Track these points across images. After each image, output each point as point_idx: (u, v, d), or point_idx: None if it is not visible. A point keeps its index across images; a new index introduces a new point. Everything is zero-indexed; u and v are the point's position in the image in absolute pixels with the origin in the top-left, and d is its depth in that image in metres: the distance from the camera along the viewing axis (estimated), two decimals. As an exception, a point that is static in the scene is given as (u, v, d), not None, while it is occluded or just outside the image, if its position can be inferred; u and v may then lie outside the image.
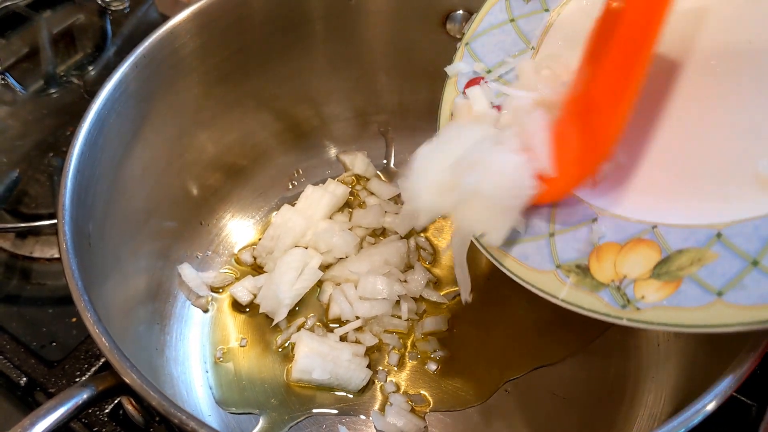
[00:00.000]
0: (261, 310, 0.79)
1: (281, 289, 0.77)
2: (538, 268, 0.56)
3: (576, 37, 0.64)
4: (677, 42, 0.56)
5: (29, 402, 0.77)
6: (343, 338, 0.78)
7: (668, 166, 0.54)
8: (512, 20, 0.70)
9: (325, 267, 0.83)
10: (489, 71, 0.69)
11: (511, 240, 0.58)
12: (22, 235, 0.92)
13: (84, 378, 0.77)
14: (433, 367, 0.76)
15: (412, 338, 0.78)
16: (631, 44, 0.52)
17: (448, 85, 0.71)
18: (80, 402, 0.50)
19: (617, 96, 0.52)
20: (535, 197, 0.56)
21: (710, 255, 0.47)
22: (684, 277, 0.48)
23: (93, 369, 0.77)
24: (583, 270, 0.53)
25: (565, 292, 0.53)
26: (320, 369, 0.72)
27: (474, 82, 0.68)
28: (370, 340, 0.77)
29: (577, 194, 0.57)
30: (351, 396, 0.74)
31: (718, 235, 0.48)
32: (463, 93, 0.68)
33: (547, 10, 0.68)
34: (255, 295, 0.81)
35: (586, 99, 0.55)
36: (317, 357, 0.73)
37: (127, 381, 0.49)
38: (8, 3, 1.03)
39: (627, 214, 0.53)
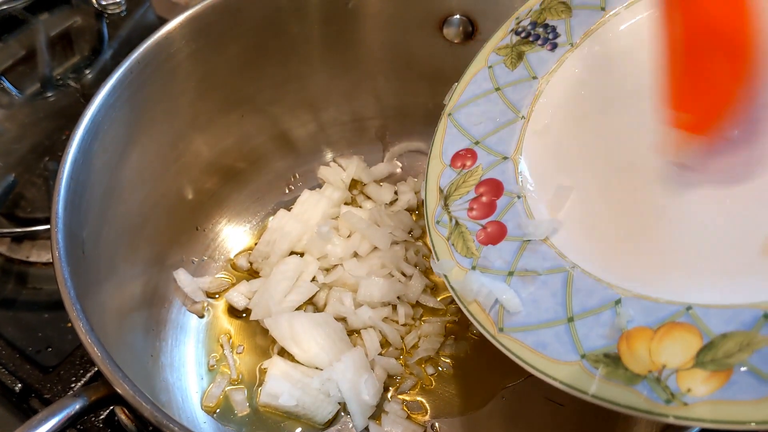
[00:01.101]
0: (252, 317, 0.79)
1: (274, 299, 0.77)
2: (560, 359, 0.49)
3: (567, 105, 0.64)
4: None
5: (24, 408, 0.77)
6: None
7: (698, 238, 0.51)
8: (498, 89, 0.67)
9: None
10: (477, 142, 0.65)
11: (524, 326, 0.52)
12: (18, 239, 0.92)
13: (79, 385, 0.77)
14: (430, 372, 0.75)
15: (408, 344, 0.78)
16: None
17: (432, 158, 0.67)
18: (72, 413, 0.50)
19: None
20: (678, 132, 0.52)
21: (761, 339, 0.42)
22: (734, 365, 0.42)
23: (88, 375, 0.77)
24: (614, 359, 0.47)
25: (595, 387, 0.47)
26: (288, 395, 0.70)
27: (462, 155, 0.65)
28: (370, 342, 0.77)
29: (593, 275, 0.52)
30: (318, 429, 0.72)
31: (766, 315, 0.43)
32: (450, 165, 0.65)
33: (535, 78, 0.66)
34: (251, 300, 0.81)
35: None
36: (286, 382, 0.72)
37: (119, 391, 0.49)
38: (5, 6, 1.03)
39: (654, 294, 0.49)
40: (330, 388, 0.72)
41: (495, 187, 0.62)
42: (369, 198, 0.91)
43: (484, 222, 0.60)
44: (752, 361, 0.42)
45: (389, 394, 0.74)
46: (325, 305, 0.80)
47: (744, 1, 0.49)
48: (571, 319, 0.51)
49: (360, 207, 0.89)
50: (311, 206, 0.86)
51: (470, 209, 0.62)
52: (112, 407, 0.70)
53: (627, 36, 0.64)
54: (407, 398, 0.74)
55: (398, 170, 0.94)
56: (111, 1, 1.03)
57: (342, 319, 0.79)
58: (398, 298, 0.80)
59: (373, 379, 0.73)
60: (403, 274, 0.82)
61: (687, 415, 0.43)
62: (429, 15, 0.83)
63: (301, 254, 0.84)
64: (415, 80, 0.88)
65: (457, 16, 0.82)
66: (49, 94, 1.03)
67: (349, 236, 0.84)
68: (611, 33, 0.65)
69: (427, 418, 0.73)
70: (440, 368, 0.76)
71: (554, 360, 0.49)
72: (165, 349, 0.76)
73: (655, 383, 0.45)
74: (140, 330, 0.74)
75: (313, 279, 0.82)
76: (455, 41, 0.84)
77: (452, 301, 0.80)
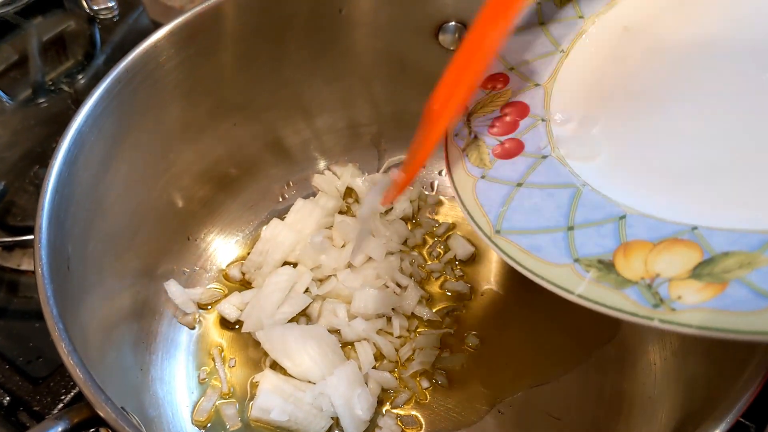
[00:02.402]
0: (244, 329, 0.78)
1: (266, 311, 0.76)
2: (551, 261, 0.50)
3: (609, 46, 0.63)
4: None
5: (13, 422, 0.76)
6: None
7: (708, 167, 0.51)
8: (542, 23, 0.67)
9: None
10: (512, 68, 0.66)
11: (521, 230, 0.53)
12: (9, 247, 0.91)
13: (69, 397, 0.76)
14: (425, 385, 0.74)
15: (403, 357, 0.77)
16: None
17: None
18: (54, 436, 0.49)
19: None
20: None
21: (763, 259, 0.43)
22: (730, 280, 0.44)
23: (78, 388, 0.76)
24: (607, 265, 0.48)
25: (583, 287, 0.48)
26: (279, 409, 0.69)
27: (493, 77, 0.66)
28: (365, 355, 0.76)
29: (603, 193, 0.53)
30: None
31: None
32: (480, 87, 0.66)
33: (581, 17, 0.66)
34: (243, 311, 0.79)
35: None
36: (278, 396, 0.70)
37: (102, 414, 0.48)
38: (-2, 10, 1.02)
39: (661, 215, 0.49)
40: (323, 402, 0.71)
41: (521, 109, 0.63)
42: (364, 206, 0.89)
43: (503, 138, 0.61)
44: (750, 277, 0.43)
45: (383, 409, 0.73)
46: (318, 317, 0.79)
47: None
48: (571, 228, 0.51)
49: (355, 216, 0.88)
50: (305, 215, 0.85)
51: (492, 126, 0.63)
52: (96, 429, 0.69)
53: None
54: (401, 412, 0.73)
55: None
56: (103, 6, 1.02)
57: (336, 332, 0.77)
58: (393, 309, 0.78)
59: (367, 393, 0.72)
60: (398, 285, 0.80)
61: (673, 319, 0.44)
62: (424, 22, 0.81)
63: (295, 264, 0.83)
64: (410, 87, 0.86)
65: (453, 23, 0.81)
66: (41, 100, 1.02)
67: (343, 246, 0.83)
68: None
69: (421, 433, 0.72)
70: (435, 381, 0.75)
71: (546, 261, 0.50)
72: (155, 363, 0.75)
73: (646, 289, 0.46)
74: (129, 343, 0.73)
75: (306, 290, 0.80)
76: (451, 48, 0.82)
77: (448, 313, 0.80)
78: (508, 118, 0.62)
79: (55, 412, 0.75)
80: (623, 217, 0.50)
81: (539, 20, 0.68)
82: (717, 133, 0.53)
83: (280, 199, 0.91)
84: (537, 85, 0.64)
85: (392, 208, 0.88)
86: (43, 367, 0.79)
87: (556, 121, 0.60)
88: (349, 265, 0.82)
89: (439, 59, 0.83)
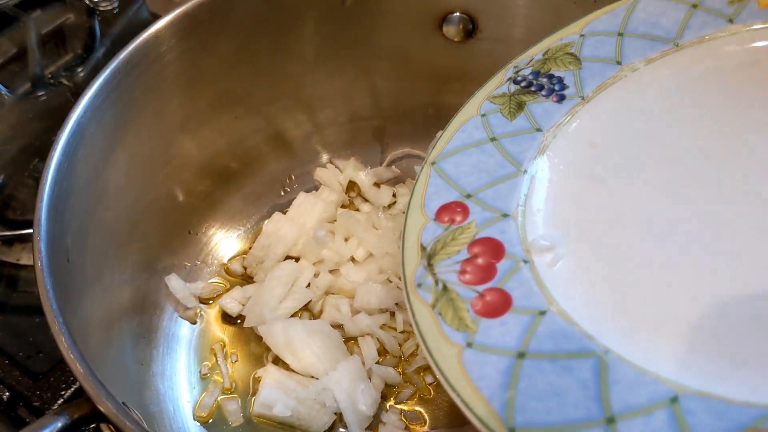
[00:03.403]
0: (246, 324, 0.77)
1: (269, 306, 0.75)
2: None
3: (578, 162, 0.57)
4: None
5: (12, 417, 0.75)
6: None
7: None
8: (494, 139, 0.59)
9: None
10: (468, 195, 0.56)
11: (545, 426, 0.40)
12: (9, 241, 0.90)
13: (69, 392, 0.75)
14: (429, 381, 0.74)
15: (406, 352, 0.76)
16: None
17: (411, 209, 0.57)
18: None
19: None
20: None
21: None
22: None
23: (78, 383, 0.75)
24: None
25: None
26: (282, 405, 0.68)
27: (450, 208, 0.56)
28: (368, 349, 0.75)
29: (635, 363, 0.42)
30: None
31: None
32: (435, 220, 0.55)
33: (539, 130, 0.59)
34: (245, 306, 0.79)
35: None
36: (280, 391, 0.70)
37: (102, 409, 0.47)
38: (-3, 3, 1.01)
39: (722, 391, 0.38)
40: (326, 398, 0.70)
41: (493, 248, 0.52)
42: (366, 201, 0.89)
43: (481, 289, 0.49)
44: None
45: (387, 404, 0.73)
46: (321, 312, 0.78)
47: None
48: (611, 420, 0.39)
49: (357, 210, 0.87)
50: (307, 209, 0.84)
51: (462, 272, 0.51)
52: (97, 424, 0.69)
53: (649, 92, 0.60)
54: (405, 408, 0.72)
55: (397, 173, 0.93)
56: (102, -2, 1.02)
57: (339, 327, 0.77)
58: (396, 304, 0.78)
59: (371, 388, 0.71)
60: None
61: None
62: (428, 13, 0.81)
63: (297, 259, 0.82)
64: (414, 80, 0.86)
65: (457, 14, 0.80)
66: (41, 93, 1.01)
67: (346, 240, 0.83)
68: (629, 88, 0.61)
69: (425, 428, 0.71)
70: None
71: None
72: (156, 358, 0.74)
73: None
74: (130, 338, 0.72)
75: (308, 285, 0.80)
76: (455, 40, 0.82)
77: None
78: (480, 261, 0.51)
79: (56, 407, 0.74)
80: (675, 399, 0.39)
81: (489, 135, 0.60)
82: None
83: (282, 193, 0.90)
84: (505, 215, 0.53)
85: (395, 202, 0.87)
86: (43, 363, 0.78)
87: (539, 259, 0.51)
88: (352, 260, 0.81)
89: (443, 51, 0.83)
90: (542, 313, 0.46)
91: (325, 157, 0.92)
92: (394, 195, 0.88)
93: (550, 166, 0.57)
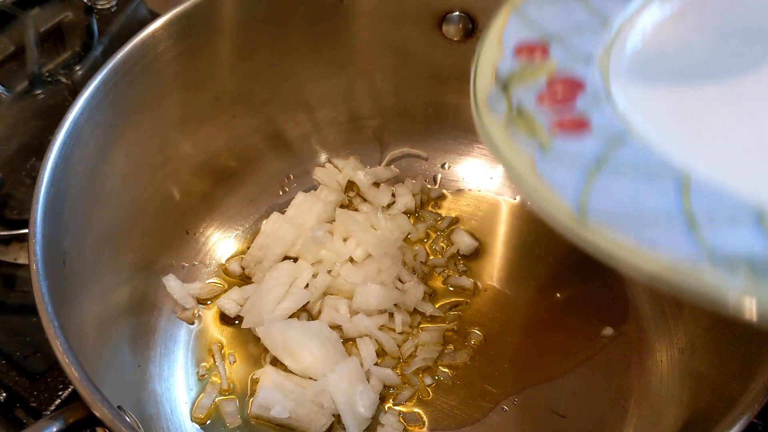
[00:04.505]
0: (244, 325, 0.77)
1: (266, 307, 0.75)
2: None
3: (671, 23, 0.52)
4: None
5: (9, 418, 0.75)
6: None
7: None
8: None
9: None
10: (550, 37, 0.53)
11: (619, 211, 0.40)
12: (6, 241, 0.90)
13: (66, 393, 0.75)
14: (428, 382, 0.74)
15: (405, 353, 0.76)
16: None
17: (487, 42, 0.52)
18: (49, 436, 0.48)
19: None
20: None
21: None
22: None
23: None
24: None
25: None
26: (280, 406, 0.68)
27: (529, 46, 0.52)
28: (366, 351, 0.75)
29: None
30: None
31: None
32: (513, 54, 0.52)
33: None
34: (243, 307, 0.78)
35: None
36: (279, 393, 0.69)
37: (97, 414, 0.47)
38: (-6, 1, 1.01)
39: None
40: (324, 399, 0.70)
41: (574, 85, 0.50)
42: (366, 200, 0.88)
43: (558, 117, 0.47)
44: None
45: (386, 406, 0.72)
46: (319, 313, 0.78)
47: None
48: (693, 223, 0.38)
49: (356, 210, 0.87)
50: (306, 209, 0.83)
51: (540, 100, 0.48)
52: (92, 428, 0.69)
53: None
54: (404, 410, 0.72)
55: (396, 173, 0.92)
56: (100, -4, 1.01)
57: (337, 328, 0.76)
58: (395, 305, 0.77)
59: (369, 390, 0.71)
60: (401, 281, 0.80)
61: None
62: (427, 12, 0.80)
63: (295, 259, 0.82)
64: (413, 79, 0.85)
65: (457, 13, 0.80)
66: (39, 92, 1.00)
67: (344, 240, 0.82)
68: None
69: (424, 430, 0.71)
70: (438, 378, 0.74)
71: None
72: (153, 359, 0.74)
73: None
74: (127, 339, 0.72)
75: (307, 285, 0.79)
76: (455, 39, 0.81)
77: (451, 308, 0.79)
78: (559, 94, 0.49)
79: (53, 408, 0.74)
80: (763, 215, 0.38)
81: None
82: None
83: (281, 193, 0.90)
84: (588, 59, 0.51)
85: (394, 202, 0.87)
86: (41, 362, 0.78)
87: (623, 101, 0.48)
88: (351, 260, 0.81)
89: (442, 51, 0.83)
90: (622, 138, 0.45)
91: (323, 157, 0.92)
92: (393, 195, 0.88)
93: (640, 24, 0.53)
